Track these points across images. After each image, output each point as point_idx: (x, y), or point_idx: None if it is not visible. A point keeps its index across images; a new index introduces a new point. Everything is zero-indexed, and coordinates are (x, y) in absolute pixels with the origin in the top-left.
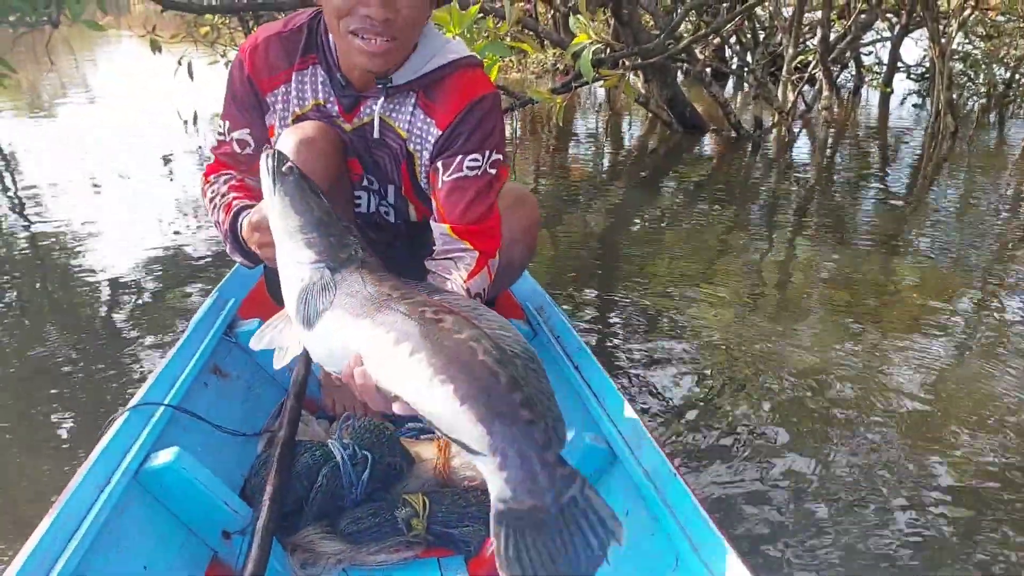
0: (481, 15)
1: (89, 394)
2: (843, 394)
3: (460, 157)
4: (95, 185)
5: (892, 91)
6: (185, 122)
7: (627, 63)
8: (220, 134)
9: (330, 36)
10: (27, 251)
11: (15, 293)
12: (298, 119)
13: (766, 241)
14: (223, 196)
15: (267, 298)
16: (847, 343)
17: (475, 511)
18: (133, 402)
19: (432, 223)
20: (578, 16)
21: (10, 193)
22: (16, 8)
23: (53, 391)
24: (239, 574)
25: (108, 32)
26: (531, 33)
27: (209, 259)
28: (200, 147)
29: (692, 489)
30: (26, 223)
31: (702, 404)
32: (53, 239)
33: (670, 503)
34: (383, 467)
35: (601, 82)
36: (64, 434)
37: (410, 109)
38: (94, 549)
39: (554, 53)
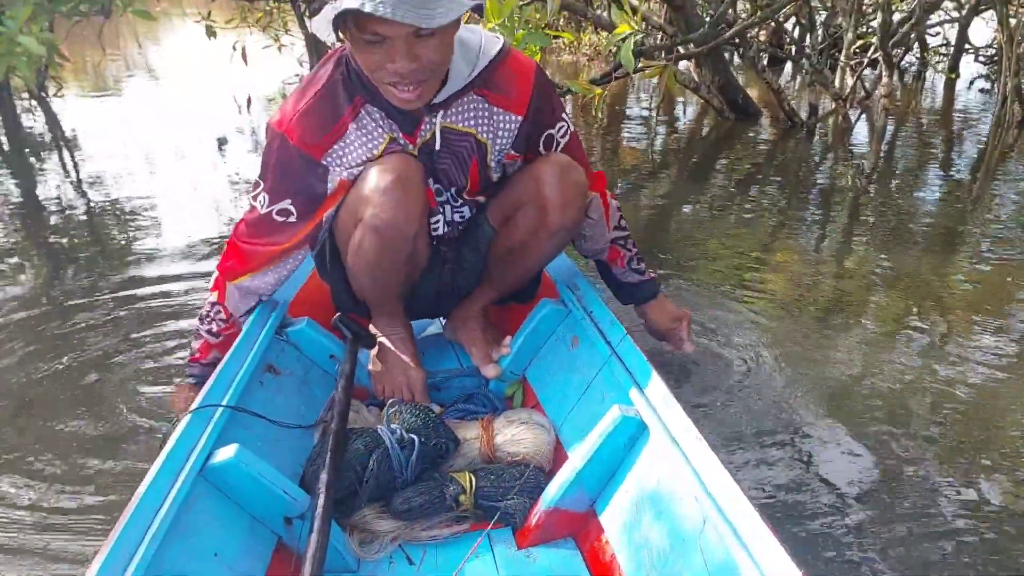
0: (521, 3)
1: (135, 385)
2: (889, 396)
3: (551, 131)
4: (151, 167)
5: (958, 76)
6: (239, 106)
7: (676, 51)
8: (254, 203)
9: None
10: (86, 234)
11: (71, 273)
12: (380, 157)
13: (817, 234)
14: (208, 331)
15: (315, 297)
16: (900, 343)
17: (519, 484)
18: (194, 405)
19: None
20: (621, 7)
21: (71, 175)
22: None
23: (100, 382)
24: (303, 556)
25: (171, 15)
26: (579, 17)
27: None
28: (254, 130)
29: (719, 456)
30: (87, 203)
31: (739, 396)
32: (111, 222)
33: (698, 469)
34: (430, 448)
35: (645, 71)
36: (119, 418)
37: (474, 106)
38: (167, 541)
39: (606, 36)
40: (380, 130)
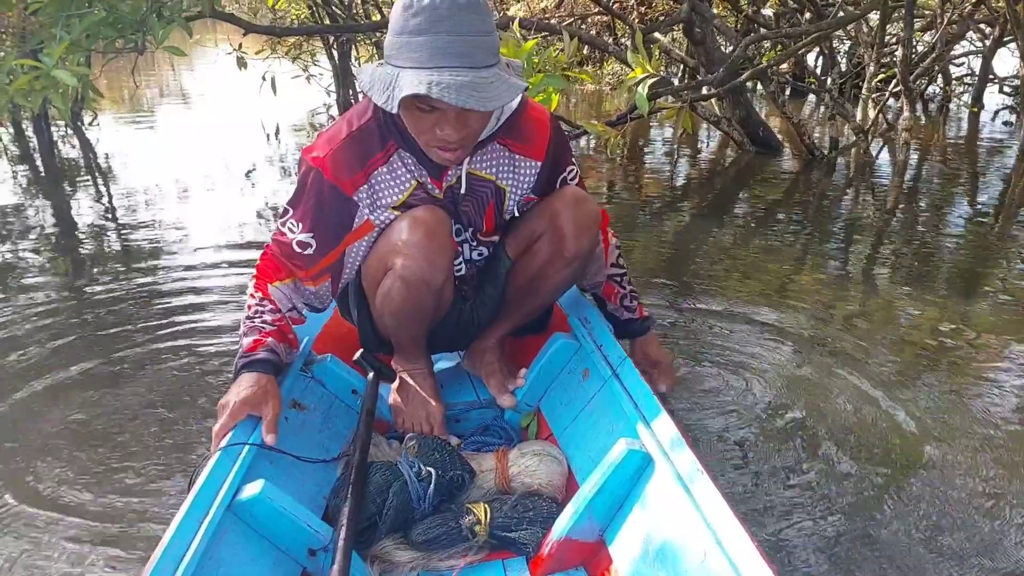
0: (539, 47)
1: (167, 423)
2: (907, 435)
3: (564, 175)
4: (183, 192)
5: (982, 108)
6: (268, 135)
7: (690, 93)
8: (283, 226)
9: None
10: (115, 255)
11: (100, 293)
12: (405, 202)
13: (838, 268)
14: (262, 321)
15: (338, 334)
16: (919, 382)
17: (532, 515)
18: (222, 444)
19: None
20: (637, 50)
21: (103, 199)
22: (104, 35)
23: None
24: None
25: (205, 43)
26: (600, 51)
27: None
28: (282, 159)
29: (721, 491)
30: (116, 226)
31: (751, 429)
32: (140, 245)
33: (700, 502)
34: (447, 481)
35: (661, 112)
36: (149, 450)
37: (496, 155)
38: (199, 574)
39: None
40: (409, 175)
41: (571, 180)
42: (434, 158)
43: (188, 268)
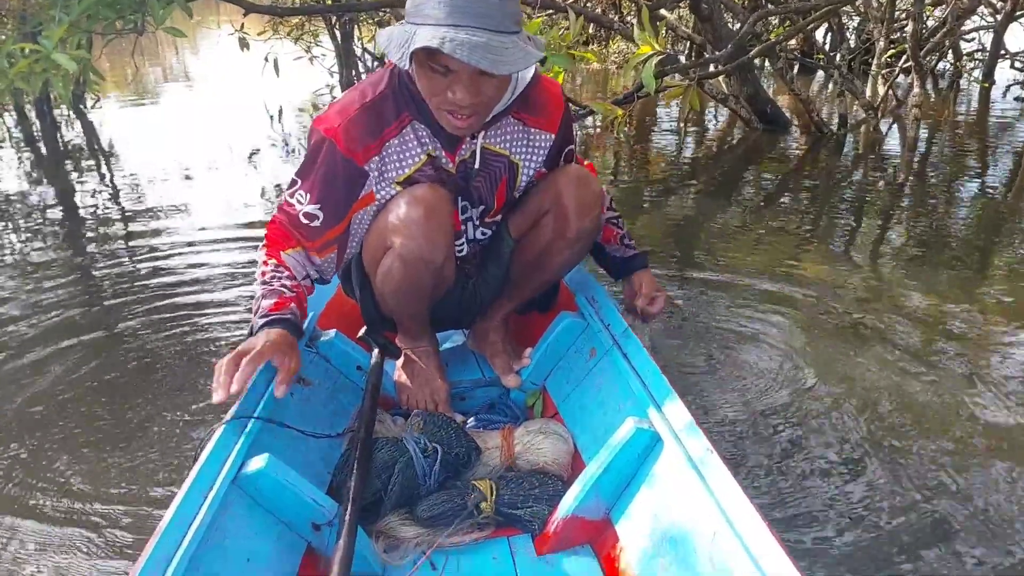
0: (544, 26)
1: (170, 397)
2: (917, 412)
3: (572, 146)
4: (187, 174)
5: (993, 83)
6: (271, 116)
7: (698, 71)
8: (291, 196)
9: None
10: (120, 243)
11: (104, 272)
12: (410, 177)
13: (848, 244)
14: (281, 285)
15: (342, 311)
16: (930, 358)
17: (538, 492)
18: (228, 416)
19: None
20: (643, 28)
21: (106, 180)
22: (103, 16)
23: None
24: (331, 560)
25: (208, 24)
26: (605, 29)
27: None
28: (285, 141)
29: (730, 470)
30: (119, 208)
31: (759, 405)
32: (142, 226)
33: (709, 482)
34: (452, 457)
35: (667, 91)
36: (155, 426)
37: (511, 129)
38: (204, 545)
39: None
40: (421, 147)
41: (571, 158)
42: (445, 125)
43: (190, 244)
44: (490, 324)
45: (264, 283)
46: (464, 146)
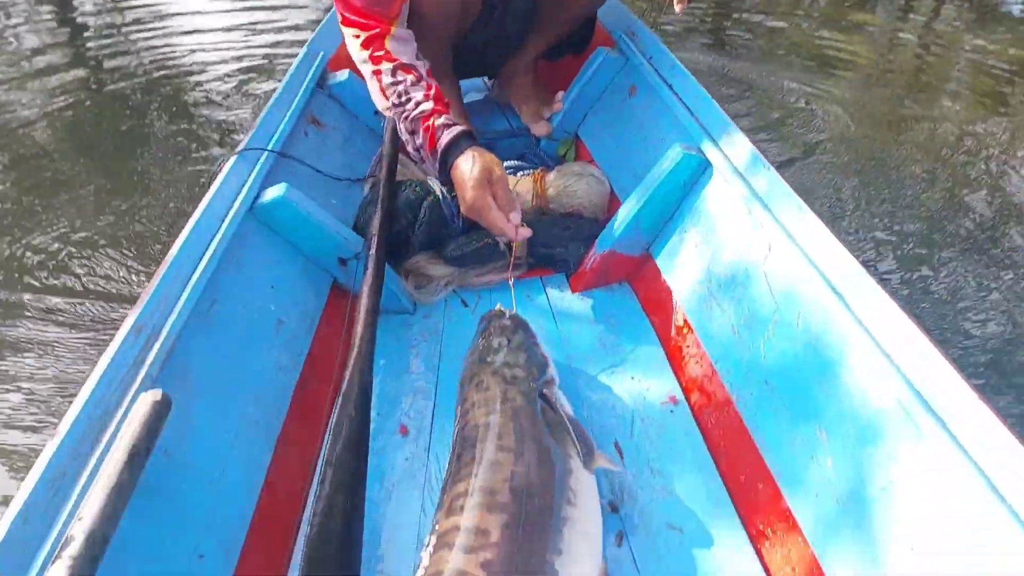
0: None
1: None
2: (962, 162)
3: None
4: None
5: None
6: None
7: None
8: None
9: None
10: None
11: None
12: None
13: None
14: (417, 102)
15: None
16: (984, 115)
17: (573, 232)
18: (240, 147)
19: None
20: None
21: None
22: None
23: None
24: (358, 294)
25: None
26: None
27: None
28: None
29: (786, 178)
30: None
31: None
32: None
33: (763, 196)
34: None
35: None
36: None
37: None
38: (221, 269)
39: None
40: None
41: None
42: None
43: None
44: (518, 67)
45: (397, 105)
46: None
